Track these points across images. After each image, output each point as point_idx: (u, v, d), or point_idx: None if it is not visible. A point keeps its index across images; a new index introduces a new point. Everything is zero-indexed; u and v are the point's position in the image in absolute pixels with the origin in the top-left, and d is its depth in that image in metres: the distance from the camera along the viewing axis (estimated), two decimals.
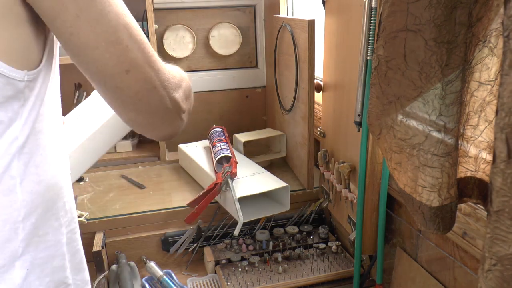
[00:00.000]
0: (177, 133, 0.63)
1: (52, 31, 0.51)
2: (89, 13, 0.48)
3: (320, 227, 1.46)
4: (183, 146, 1.69)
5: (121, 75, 0.51)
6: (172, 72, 0.60)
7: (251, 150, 1.65)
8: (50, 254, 0.57)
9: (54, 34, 0.51)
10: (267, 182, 1.37)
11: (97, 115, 1.01)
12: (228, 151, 1.46)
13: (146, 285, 1.29)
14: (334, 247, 1.38)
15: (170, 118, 0.58)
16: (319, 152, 1.40)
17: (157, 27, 1.65)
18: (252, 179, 1.38)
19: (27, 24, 0.48)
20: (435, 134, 0.65)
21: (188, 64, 1.87)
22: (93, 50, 0.50)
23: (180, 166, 1.72)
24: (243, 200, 1.27)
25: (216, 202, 1.40)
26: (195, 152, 1.63)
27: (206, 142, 1.69)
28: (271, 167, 1.65)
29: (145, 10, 1.56)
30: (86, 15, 0.48)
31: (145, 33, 1.73)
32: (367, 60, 1.04)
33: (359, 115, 1.10)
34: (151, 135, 0.60)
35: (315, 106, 1.41)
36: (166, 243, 1.40)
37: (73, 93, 1.68)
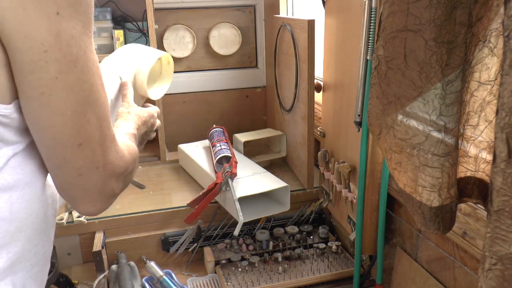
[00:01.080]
0: (97, 213, 0.59)
1: (17, 82, 0.47)
2: (68, 78, 0.47)
3: (320, 227, 1.46)
4: (183, 146, 1.69)
5: (73, 147, 0.50)
6: (121, 155, 0.57)
7: (251, 150, 1.65)
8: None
9: (19, 86, 0.47)
10: (267, 182, 1.37)
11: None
12: (228, 151, 1.46)
13: (146, 285, 1.29)
14: (334, 247, 1.38)
15: (100, 200, 0.56)
16: (319, 152, 1.40)
17: (157, 27, 1.65)
18: (252, 179, 1.38)
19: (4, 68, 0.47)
20: (435, 134, 0.65)
21: (188, 64, 1.87)
22: (57, 115, 0.48)
23: (180, 166, 1.72)
24: (243, 200, 1.27)
25: (216, 202, 1.40)
26: (195, 152, 1.63)
27: (206, 142, 1.69)
28: (271, 167, 1.65)
29: (145, 10, 1.56)
30: (64, 79, 0.47)
31: (145, 33, 1.75)
32: (367, 60, 1.04)
33: (359, 115, 1.10)
34: (74, 206, 0.57)
35: (315, 106, 1.41)
36: (166, 243, 1.40)
37: None
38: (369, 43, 1.03)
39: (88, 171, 0.52)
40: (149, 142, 1.90)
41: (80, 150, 0.51)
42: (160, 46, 1.78)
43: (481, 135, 0.65)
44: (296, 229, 1.45)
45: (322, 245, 1.39)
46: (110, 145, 0.54)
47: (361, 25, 1.05)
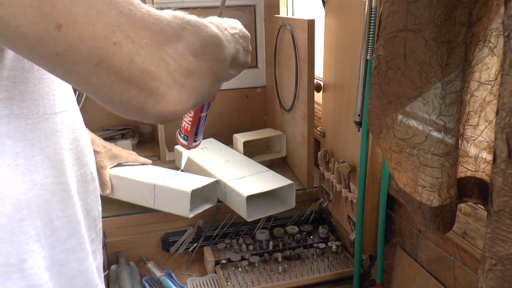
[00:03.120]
0: (184, 108, 0.45)
1: None
2: None
3: (320, 227, 1.46)
4: (179, 147, 1.69)
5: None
6: (154, 17, 0.44)
7: (251, 150, 1.65)
8: None
9: None
10: (273, 180, 1.37)
11: None
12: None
13: (146, 285, 1.29)
14: (334, 247, 1.38)
15: (176, 83, 0.43)
16: (319, 152, 1.40)
17: None
18: (256, 178, 1.38)
19: None
20: (435, 134, 0.65)
21: None
22: None
23: (177, 166, 1.72)
24: (248, 199, 1.27)
25: (220, 201, 1.40)
26: (193, 152, 1.63)
27: (203, 143, 1.69)
28: (271, 167, 1.65)
29: None
30: None
31: None
32: (367, 60, 1.04)
33: (359, 115, 1.10)
34: (147, 111, 0.44)
35: (315, 106, 1.41)
36: (166, 243, 1.40)
37: None
38: (369, 43, 1.03)
39: (123, 48, 0.41)
40: (149, 142, 1.90)
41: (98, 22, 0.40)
42: None
43: (481, 135, 0.65)
44: (296, 229, 1.45)
45: (322, 245, 1.39)
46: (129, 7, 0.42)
47: (361, 25, 1.05)
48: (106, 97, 0.43)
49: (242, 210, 1.28)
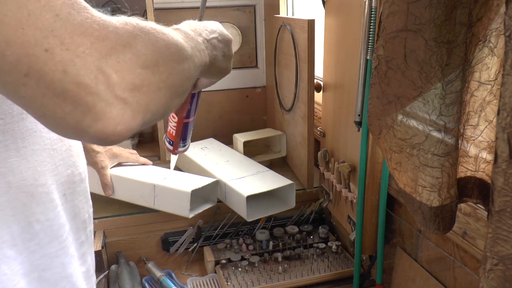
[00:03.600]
0: (129, 129, 0.40)
1: None
2: None
3: (320, 227, 1.46)
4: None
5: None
6: (99, 22, 0.39)
7: (251, 150, 1.65)
8: None
9: None
10: (273, 180, 1.37)
11: None
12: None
13: (146, 285, 1.29)
14: (334, 247, 1.38)
15: (119, 100, 0.38)
16: (319, 152, 1.40)
17: None
18: (256, 178, 1.38)
19: None
20: (435, 134, 0.65)
21: None
22: None
23: (177, 166, 1.71)
24: (248, 198, 1.27)
25: (220, 201, 1.40)
26: (192, 152, 1.63)
27: (203, 143, 1.69)
28: (271, 167, 1.65)
29: (145, 10, 1.56)
30: None
31: None
32: (367, 60, 1.04)
33: (359, 115, 1.10)
34: (86, 131, 0.39)
35: (315, 106, 1.41)
36: (166, 243, 1.40)
37: None
38: (369, 43, 1.03)
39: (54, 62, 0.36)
40: (149, 142, 1.90)
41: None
42: None
43: (481, 135, 0.65)
44: (296, 229, 1.45)
45: (322, 245, 1.39)
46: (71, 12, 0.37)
47: (361, 25, 1.05)
48: (38, 112, 0.38)
49: (242, 210, 1.28)
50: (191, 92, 0.72)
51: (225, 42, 0.64)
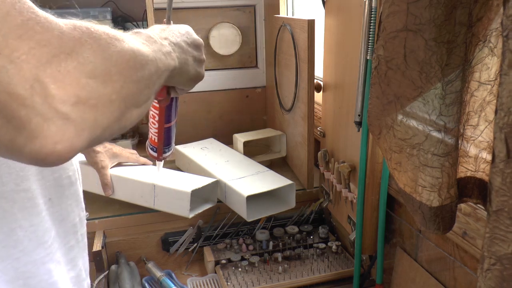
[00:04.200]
0: (49, 149, 0.34)
1: None
2: None
3: (320, 227, 1.46)
4: (179, 147, 1.69)
5: None
6: (46, 25, 0.35)
7: (251, 150, 1.65)
8: None
9: None
10: (273, 180, 1.37)
11: None
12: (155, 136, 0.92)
13: (146, 285, 1.29)
14: (334, 247, 1.38)
15: (11, 110, 0.32)
16: (319, 152, 1.40)
17: None
18: (256, 178, 1.38)
19: None
20: (435, 134, 0.65)
21: None
22: None
23: (177, 166, 1.72)
24: (248, 199, 1.27)
25: (220, 201, 1.40)
26: (192, 153, 1.63)
27: (203, 143, 1.69)
28: (271, 167, 1.65)
29: (145, 10, 1.56)
30: None
31: None
32: (367, 60, 1.04)
33: (359, 115, 1.10)
34: (21, 151, 0.34)
35: (315, 106, 1.41)
36: (166, 243, 1.40)
37: None
38: (369, 43, 1.03)
39: None
40: None
41: None
42: None
43: (481, 135, 0.65)
44: (296, 229, 1.45)
45: (322, 245, 1.39)
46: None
47: (361, 25, 1.05)
48: None
49: (242, 210, 1.28)
50: (170, 97, 0.69)
51: (195, 45, 0.60)
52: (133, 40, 0.43)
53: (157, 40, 0.49)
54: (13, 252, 0.52)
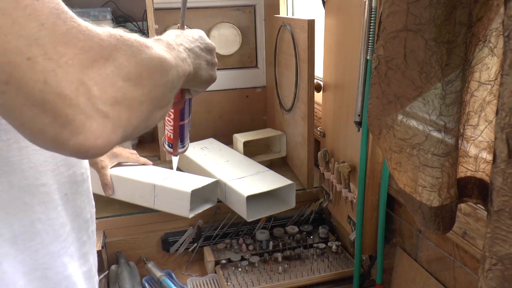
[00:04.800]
0: (107, 143, 0.39)
1: None
2: None
3: (320, 227, 1.46)
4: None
5: None
6: (86, 33, 0.39)
7: (251, 150, 1.65)
8: None
9: None
10: (273, 180, 1.37)
11: None
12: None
13: (146, 285, 1.29)
14: (334, 247, 1.38)
15: (59, 109, 0.37)
16: (319, 152, 1.40)
17: (157, 27, 1.65)
18: (256, 178, 1.38)
19: None
20: (435, 134, 0.65)
21: None
22: None
23: (177, 166, 1.72)
24: (248, 199, 1.27)
25: (220, 201, 1.40)
26: (192, 152, 1.63)
27: (203, 143, 1.69)
28: (271, 167, 1.65)
29: (145, 10, 1.56)
30: None
31: (145, 33, 1.74)
32: (367, 60, 1.04)
33: (359, 115, 1.10)
34: (36, 140, 0.39)
35: (315, 106, 1.41)
36: (166, 243, 1.40)
37: None
38: (369, 43, 1.03)
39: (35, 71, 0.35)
40: (149, 142, 1.90)
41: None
42: None
43: (481, 135, 0.65)
44: (296, 229, 1.45)
45: (322, 245, 1.39)
46: (56, 21, 0.37)
47: (361, 25, 1.05)
48: (17, 122, 0.37)
49: (242, 210, 1.28)
50: (185, 98, 0.73)
51: (208, 50, 0.64)
52: (158, 47, 0.47)
53: (175, 47, 0.53)
54: (32, 244, 0.54)
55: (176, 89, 0.50)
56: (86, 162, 0.65)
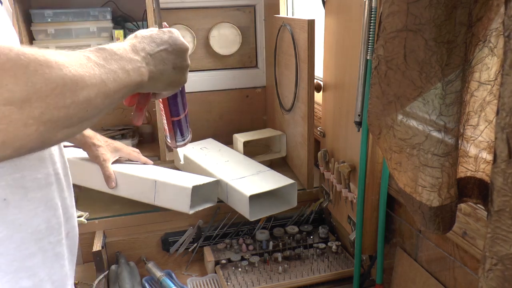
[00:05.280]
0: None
1: None
2: None
3: (320, 227, 1.46)
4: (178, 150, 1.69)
5: None
6: None
7: (251, 150, 1.65)
8: None
9: None
10: (274, 179, 1.37)
11: None
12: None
13: (146, 285, 1.29)
14: (334, 247, 1.38)
15: None
16: (319, 152, 1.40)
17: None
18: (257, 177, 1.38)
19: None
20: (435, 134, 0.65)
21: None
22: None
23: (176, 167, 1.72)
24: (251, 198, 1.27)
25: (222, 201, 1.40)
26: (192, 153, 1.63)
27: (202, 143, 1.69)
28: (271, 167, 1.64)
29: (145, 10, 1.56)
30: None
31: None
32: (367, 60, 1.04)
33: (359, 115, 1.10)
34: None
35: (315, 106, 1.41)
36: (166, 243, 1.40)
37: None
38: (369, 43, 1.03)
39: None
40: (149, 142, 1.90)
41: None
42: None
43: (481, 135, 0.65)
44: (296, 229, 1.45)
45: (322, 245, 1.39)
46: None
47: (361, 25, 1.05)
48: None
49: (244, 210, 1.28)
50: (157, 97, 0.73)
51: (178, 52, 0.62)
52: (76, 64, 0.45)
53: (124, 56, 0.52)
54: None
55: (104, 104, 0.48)
56: (51, 168, 0.60)
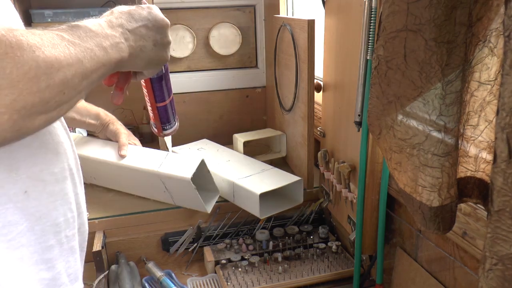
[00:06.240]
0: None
1: None
2: None
3: (320, 227, 1.46)
4: (174, 149, 1.68)
5: None
6: None
7: (251, 150, 1.65)
8: None
9: None
10: (280, 177, 1.38)
11: None
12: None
13: (146, 285, 1.29)
14: (334, 247, 1.38)
15: None
16: (319, 152, 1.40)
17: None
18: (263, 176, 1.38)
19: None
20: (435, 134, 0.65)
21: (188, 64, 1.87)
22: None
23: None
24: (260, 196, 1.28)
25: (224, 200, 1.39)
26: (192, 153, 1.63)
27: (200, 143, 1.69)
28: None
29: None
30: None
31: None
32: (367, 60, 1.04)
33: (359, 115, 1.10)
34: None
35: (315, 106, 1.41)
36: (166, 243, 1.40)
37: None
38: (369, 43, 1.03)
39: None
40: (149, 142, 1.90)
41: None
42: None
43: (481, 135, 0.65)
44: (296, 229, 1.45)
45: (322, 245, 1.39)
46: None
47: (361, 25, 1.05)
48: None
49: (254, 208, 1.28)
50: (131, 81, 0.69)
51: (158, 28, 0.59)
52: (50, 44, 0.43)
53: (100, 33, 0.49)
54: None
55: (82, 85, 0.46)
56: (67, 163, 0.60)
